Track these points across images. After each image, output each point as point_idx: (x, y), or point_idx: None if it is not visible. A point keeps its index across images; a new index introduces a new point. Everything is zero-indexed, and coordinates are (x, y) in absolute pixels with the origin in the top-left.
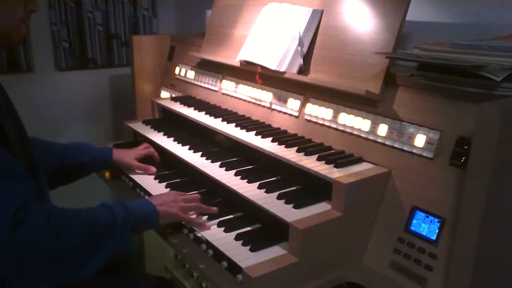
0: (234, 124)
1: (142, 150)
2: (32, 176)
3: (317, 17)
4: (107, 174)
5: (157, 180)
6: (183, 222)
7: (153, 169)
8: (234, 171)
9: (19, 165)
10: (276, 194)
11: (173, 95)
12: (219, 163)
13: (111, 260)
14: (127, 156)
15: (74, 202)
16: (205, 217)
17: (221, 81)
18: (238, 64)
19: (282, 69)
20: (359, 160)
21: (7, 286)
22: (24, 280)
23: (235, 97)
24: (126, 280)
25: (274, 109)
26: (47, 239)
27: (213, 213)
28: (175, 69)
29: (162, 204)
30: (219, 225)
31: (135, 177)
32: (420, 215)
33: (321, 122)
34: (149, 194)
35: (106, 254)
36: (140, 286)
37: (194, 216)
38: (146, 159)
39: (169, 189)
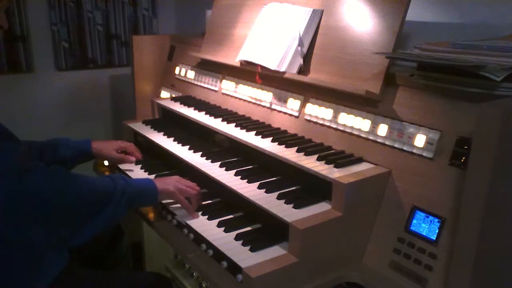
0: (234, 124)
1: (122, 142)
2: None
3: (317, 17)
4: (107, 174)
5: None
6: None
7: (132, 158)
8: (234, 171)
9: (10, 132)
10: (276, 194)
11: (173, 95)
12: (219, 163)
13: (109, 254)
14: (106, 147)
15: None
16: (205, 216)
17: (221, 81)
18: (238, 64)
19: (282, 69)
20: (359, 160)
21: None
22: (20, 239)
23: (235, 97)
24: (126, 276)
25: (274, 109)
26: (51, 193)
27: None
28: (175, 69)
29: (161, 181)
30: (219, 225)
31: (135, 177)
32: (420, 215)
33: (321, 122)
34: None
35: (102, 221)
36: (139, 283)
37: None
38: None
39: None
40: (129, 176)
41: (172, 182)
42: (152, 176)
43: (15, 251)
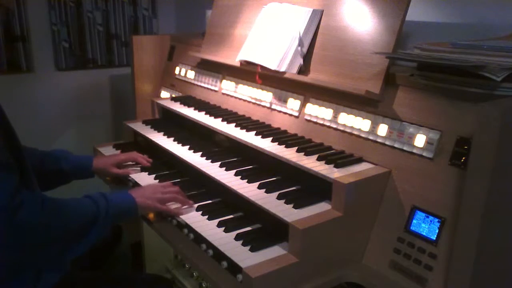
0: (234, 124)
1: (122, 155)
2: (21, 173)
3: (317, 17)
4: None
5: (157, 181)
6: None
7: (132, 172)
8: (234, 171)
9: (8, 157)
10: (276, 194)
11: (173, 95)
12: (219, 163)
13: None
14: (106, 164)
15: None
16: (205, 216)
17: (221, 81)
18: (238, 64)
19: (282, 69)
20: (359, 160)
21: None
22: (16, 264)
23: (235, 97)
24: (126, 279)
25: (274, 109)
26: (42, 224)
27: (189, 205)
28: (175, 69)
29: (141, 196)
30: (219, 225)
31: (136, 178)
32: (420, 215)
33: (321, 122)
34: None
35: (89, 242)
36: (139, 285)
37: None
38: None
39: None
40: (130, 179)
41: (150, 195)
42: (151, 177)
43: (9, 272)
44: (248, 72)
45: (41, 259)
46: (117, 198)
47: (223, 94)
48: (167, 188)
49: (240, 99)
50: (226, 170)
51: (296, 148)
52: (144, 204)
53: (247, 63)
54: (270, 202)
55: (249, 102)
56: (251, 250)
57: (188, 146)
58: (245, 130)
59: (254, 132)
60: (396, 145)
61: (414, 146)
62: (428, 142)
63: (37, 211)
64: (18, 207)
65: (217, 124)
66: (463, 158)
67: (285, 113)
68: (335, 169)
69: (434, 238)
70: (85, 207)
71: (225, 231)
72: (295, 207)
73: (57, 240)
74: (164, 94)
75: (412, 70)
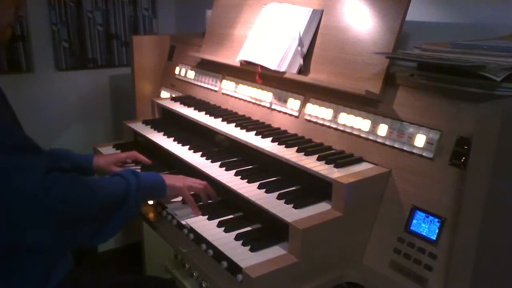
0: (234, 124)
1: (123, 154)
2: None
3: (317, 17)
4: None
5: None
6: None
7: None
8: (234, 171)
9: (31, 139)
10: (276, 194)
11: (173, 95)
12: (219, 163)
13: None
14: (106, 162)
15: None
16: (205, 216)
17: (221, 81)
18: (238, 64)
19: (282, 69)
20: (359, 160)
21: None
22: (46, 245)
23: (235, 97)
24: (127, 281)
25: (274, 109)
26: (74, 202)
27: (197, 214)
28: (175, 69)
29: (169, 178)
30: (219, 225)
31: None
32: (420, 215)
33: (321, 122)
34: None
35: (120, 219)
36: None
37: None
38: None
39: None
40: None
41: (179, 178)
42: None
43: (31, 256)
44: (248, 72)
45: (71, 240)
46: (146, 175)
47: (223, 94)
48: (196, 180)
49: (240, 99)
50: (226, 170)
51: (296, 148)
52: (172, 185)
53: (247, 63)
54: (270, 202)
55: (249, 102)
56: (251, 250)
57: (188, 146)
58: (245, 130)
59: (254, 132)
60: (396, 145)
61: (414, 146)
62: (428, 142)
63: (68, 188)
64: (50, 187)
65: (217, 124)
66: (463, 158)
67: (285, 113)
68: (335, 169)
69: (434, 238)
70: (115, 183)
71: (225, 231)
72: (295, 207)
73: (90, 217)
74: (164, 94)
75: (412, 70)
